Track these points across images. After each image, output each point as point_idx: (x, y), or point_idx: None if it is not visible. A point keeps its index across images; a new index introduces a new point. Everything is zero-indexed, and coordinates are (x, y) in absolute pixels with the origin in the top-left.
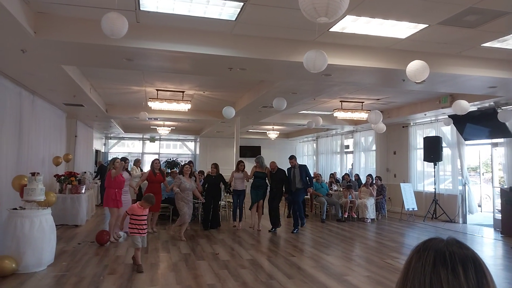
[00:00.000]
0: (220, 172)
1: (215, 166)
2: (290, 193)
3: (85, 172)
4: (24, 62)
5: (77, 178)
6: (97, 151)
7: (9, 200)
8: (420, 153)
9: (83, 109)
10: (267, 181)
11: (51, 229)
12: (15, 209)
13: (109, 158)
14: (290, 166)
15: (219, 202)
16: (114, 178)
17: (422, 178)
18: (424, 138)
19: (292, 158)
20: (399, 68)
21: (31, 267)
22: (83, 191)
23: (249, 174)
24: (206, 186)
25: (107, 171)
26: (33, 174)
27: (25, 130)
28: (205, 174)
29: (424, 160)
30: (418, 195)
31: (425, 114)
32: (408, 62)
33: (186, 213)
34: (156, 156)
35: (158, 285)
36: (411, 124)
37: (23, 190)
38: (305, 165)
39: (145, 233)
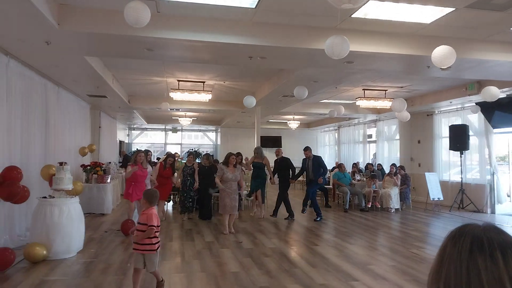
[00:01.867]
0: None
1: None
2: (306, 183)
3: (109, 163)
4: (49, 54)
5: (102, 168)
6: (121, 142)
7: (39, 189)
8: (445, 142)
9: (106, 100)
10: (266, 170)
11: (79, 217)
12: (45, 197)
13: (133, 149)
14: (305, 157)
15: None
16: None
17: (448, 168)
18: (449, 126)
19: (307, 149)
20: (424, 55)
21: (61, 253)
22: (108, 180)
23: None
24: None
25: (128, 164)
26: (60, 163)
27: (51, 121)
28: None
29: (450, 149)
30: (444, 184)
31: (450, 102)
32: (434, 48)
33: (226, 204)
34: (176, 148)
35: (183, 272)
36: (436, 112)
37: (51, 179)
38: (319, 157)
39: (144, 251)
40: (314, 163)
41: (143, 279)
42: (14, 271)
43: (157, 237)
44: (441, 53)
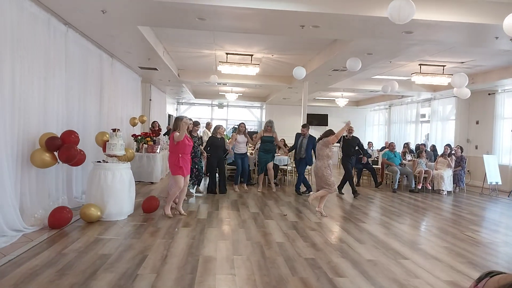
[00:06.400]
0: (283, 139)
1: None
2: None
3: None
4: (104, 24)
5: (152, 139)
6: (169, 115)
7: (93, 155)
8: (508, 123)
9: (157, 73)
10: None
11: (130, 182)
12: (99, 162)
13: None
14: (300, 133)
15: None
16: (177, 142)
17: (509, 151)
18: None
19: (305, 126)
20: (493, 23)
21: (113, 215)
22: (158, 151)
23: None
24: (209, 149)
25: (171, 133)
26: (114, 130)
27: (105, 92)
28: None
29: None
30: (503, 169)
31: None
32: (505, 16)
33: (334, 183)
34: (222, 124)
35: (229, 239)
36: (499, 91)
37: (105, 145)
38: (314, 138)
39: None
40: (308, 142)
41: (189, 242)
42: (71, 228)
43: None
44: None
